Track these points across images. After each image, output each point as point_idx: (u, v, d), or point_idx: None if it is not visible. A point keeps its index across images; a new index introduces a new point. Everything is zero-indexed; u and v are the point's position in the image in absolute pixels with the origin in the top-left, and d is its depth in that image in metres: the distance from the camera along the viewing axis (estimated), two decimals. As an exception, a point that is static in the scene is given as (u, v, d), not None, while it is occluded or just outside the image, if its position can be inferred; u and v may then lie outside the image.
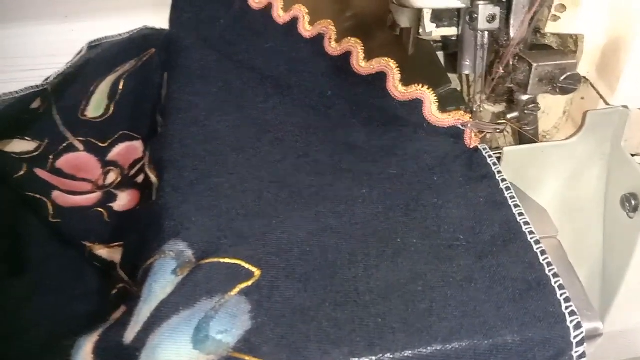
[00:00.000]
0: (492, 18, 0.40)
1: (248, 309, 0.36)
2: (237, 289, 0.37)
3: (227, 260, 0.38)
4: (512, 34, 0.41)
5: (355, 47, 0.51)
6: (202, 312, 0.35)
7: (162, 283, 0.37)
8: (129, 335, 0.35)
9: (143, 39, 0.77)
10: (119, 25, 0.81)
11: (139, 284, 0.39)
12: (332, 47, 0.53)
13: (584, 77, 0.47)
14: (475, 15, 0.40)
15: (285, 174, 0.45)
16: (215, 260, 0.38)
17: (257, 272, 0.38)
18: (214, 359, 0.34)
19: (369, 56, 0.50)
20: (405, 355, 0.34)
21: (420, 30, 0.47)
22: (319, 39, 0.53)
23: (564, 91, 0.42)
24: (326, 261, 0.39)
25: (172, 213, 0.41)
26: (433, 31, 0.46)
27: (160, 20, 0.64)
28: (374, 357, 0.34)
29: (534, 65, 0.42)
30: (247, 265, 0.38)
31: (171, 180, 0.44)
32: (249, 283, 0.37)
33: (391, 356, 0.34)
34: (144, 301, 0.37)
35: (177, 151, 0.47)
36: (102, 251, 0.61)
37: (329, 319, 0.36)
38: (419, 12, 0.46)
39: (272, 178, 0.45)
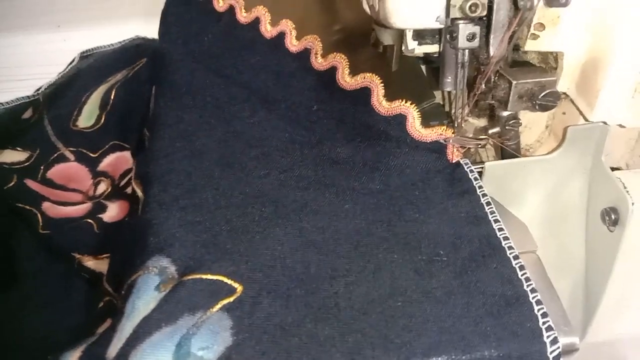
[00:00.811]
0: (472, 37, 0.41)
1: (229, 325, 0.36)
2: (219, 305, 0.37)
3: (209, 277, 0.39)
4: (491, 52, 0.42)
5: (341, 62, 0.51)
6: (184, 329, 0.36)
7: (145, 299, 0.38)
8: (112, 351, 0.36)
9: (135, 49, 0.77)
10: (111, 34, 0.81)
11: (123, 299, 0.39)
12: (318, 62, 0.53)
13: (564, 93, 0.47)
14: (455, 34, 0.41)
15: (270, 189, 0.46)
16: (198, 276, 0.39)
17: (239, 288, 0.38)
18: (195, 375, 0.34)
19: (354, 71, 0.50)
20: (384, 371, 0.35)
21: (403, 48, 0.47)
22: (305, 53, 0.54)
23: (544, 108, 0.43)
24: (308, 277, 0.39)
25: (156, 229, 0.42)
26: (415, 48, 0.47)
27: (153, 29, 0.64)
28: (353, 373, 0.34)
29: (514, 82, 0.43)
30: (229, 281, 0.39)
31: (156, 196, 0.45)
32: (231, 299, 0.38)
33: (370, 372, 0.35)
34: (126, 317, 0.37)
35: (163, 166, 0.47)
36: (91, 262, 0.62)
37: (310, 335, 0.36)
38: (401, 31, 0.47)
39: (257, 193, 0.45)
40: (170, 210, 0.43)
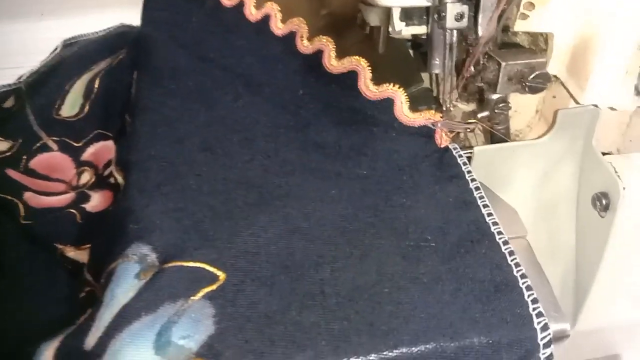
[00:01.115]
0: (460, 16, 0.40)
1: (212, 314, 0.35)
2: (201, 293, 0.36)
3: (191, 264, 0.37)
4: (480, 33, 0.41)
5: (327, 45, 0.50)
6: (165, 317, 0.35)
7: (124, 287, 0.37)
8: (90, 341, 0.35)
9: (119, 37, 0.75)
10: (95, 22, 0.80)
11: (102, 288, 0.38)
12: (304, 46, 0.52)
13: (555, 76, 0.46)
14: (444, 14, 0.40)
15: (254, 174, 0.45)
16: (179, 264, 0.37)
17: (222, 276, 0.37)
18: (175, 364, 0.33)
19: (341, 55, 0.49)
20: (371, 358, 0.34)
21: (390, 29, 0.46)
22: (290, 37, 0.53)
23: (533, 90, 0.42)
24: (293, 263, 0.39)
25: (136, 216, 0.41)
26: (402, 30, 0.45)
27: (138, 17, 0.63)
28: (338, 361, 0.33)
29: (503, 64, 0.42)
30: (211, 269, 0.38)
31: (137, 182, 0.43)
32: (214, 287, 0.37)
33: (356, 359, 0.34)
34: (105, 306, 0.36)
35: (144, 152, 0.46)
36: (73, 253, 0.60)
37: (295, 322, 0.35)
38: (388, 11, 0.46)
39: (241, 179, 0.44)
40: (152, 196, 0.42)
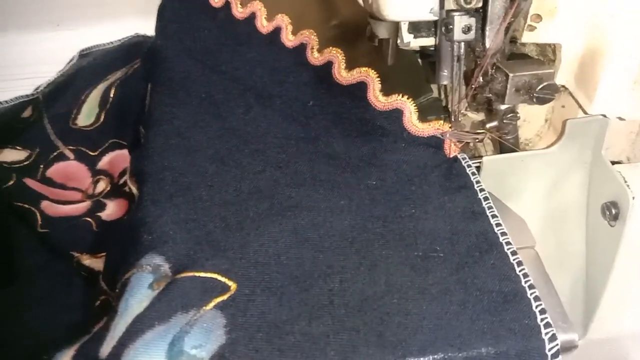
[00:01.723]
0: (467, 29, 0.40)
1: (223, 324, 0.36)
2: (212, 303, 0.37)
3: (203, 274, 0.38)
4: (488, 45, 0.41)
5: (337, 57, 0.51)
6: (177, 327, 0.35)
7: (138, 297, 0.37)
8: (105, 350, 0.36)
9: (134, 47, 0.77)
10: (110, 32, 0.81)
11: (117, 298, 0.39)
12: (314, 57, 0.53)
13: (563, 86, 0.47)
14: (451, 27, 0.40)
15: (265, 185, 0.45)
16: (191, 274, 0.38)
17: (233, 286, 0.38)
18: (188, 374, 0.34)
19: (350, 66, 0.50)
20: (379, 368, 0.34)
21: (399, 41, 0.47)
22: (301, 48, 0.54)
23: (541, 101, 0.42)
24: (303, 274, 0.39)
25: (150, 226, 0.42)
26: (411, 42, 0.46)
27: (152, 27, 0.64)
28: (347, 371, 0.34)
29: (511, 75, 0.42)
30: (223, 279, 0.38)
31: (150, 193, 0.44)
32: (225, 297, 0.37)
33: (365, 370, 0.34)
34: (120, 315, 0.37)
35: (158, 163, 0.47)
36: (89, 261, 0.61)
37: (304, 332, 0.36)
38: (396, 24, 0.46)
39: (252, 190, 0.45)
40: (164, 207, 0.43)
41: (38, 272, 0.62)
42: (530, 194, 0.49)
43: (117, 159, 0.69)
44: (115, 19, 0.86)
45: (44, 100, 0.71)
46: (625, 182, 0.44)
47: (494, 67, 0.43)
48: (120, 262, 0.43)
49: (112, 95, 0.70)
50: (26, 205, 0.64)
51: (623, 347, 0.56)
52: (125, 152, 0.68)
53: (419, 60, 0.56)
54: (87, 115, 0.70)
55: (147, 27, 0.77)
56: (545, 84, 0.42)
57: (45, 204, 0.64)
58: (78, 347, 0.38)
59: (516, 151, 0.48)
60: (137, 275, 0.39)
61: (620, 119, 0.45)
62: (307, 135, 0.49)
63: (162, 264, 0.39)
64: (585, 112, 0.45)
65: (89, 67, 0.76)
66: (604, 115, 0.45)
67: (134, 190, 0.48)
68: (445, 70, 0.44)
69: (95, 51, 0.80)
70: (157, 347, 0.34)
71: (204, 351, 0.34)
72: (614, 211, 0.45)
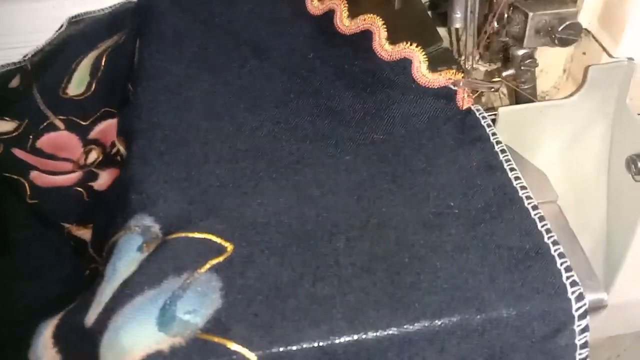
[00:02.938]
0: (483, -36, 0.36)
1: (219, 287, 0.33)
2: (207, 266, 0.34)
3: (197, 235, 0.35)
4: (505, -19, 0.38)
5: (339, 4, 0.48)
6: (169, 291, 0.32)
7: (126, 261, 0.35)
8: (91, 317, 0.33)
9: (126, 14, 0.73)
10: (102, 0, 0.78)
11: (104, 262, 0.36)
12: (314, 6, 0.50)
13: (585, 29, 0.43)
14: (465, -39, 0.36)
15: (263, 142, 0.42)
16: (184, 235, 0.35)
17: (229, 247, 0.35)
18: (180, 341, 0.31)
19: (354, 14, 0.47)
20: (390, 332, 0.31)
21: (407, -18, 0.43)
22: (300, -3, 0.50)
23: (564, 42, 0.39)
24: (305, 233, 0.36)
25: (139, 186, 0.39)
26: (421, -18, 0.42)
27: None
28: (355, 336, 0.31)
29: (530, 14, 0.38)
30: (218, 240, 0.35)
31: (139, 151, 0.41)
32: (221, 259, 0.34)
33: (375, 334, 0.31)
34: (107, 280, 0.34)
35: (147, 120, 0.44)
36: (81, 232, 0.59)
37: (308, 295, 0.33)
38: (404, -38, 0.43)
39: (249, 147, 0.42)
40: (154, 165, 0.40)
41: (28, 242, 0.61)
42: (549, 148, 0.46)
43: (109, 128, 0.66)
44: (106, -15, 0.82)
45: (33, 70, 0.69)
46: (653, 132, 0.41)
47: (511, 7, 0.40)
48: (107, 226, 0.40)
49: (103, 63, 0.67)
50: (14, 176, 0.62)
51: (645, 311, 0.54)
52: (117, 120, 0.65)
53: (428, 11, 0.53)
54: (77, 84, 0.67)
55: (138, -8, 0.74)
56: (568, 23, 0.38)
57: (34, 175, 0.62)
58: (62, 315, 0.35)
59: (534, 102, 0.45)
60: (126, 237, 0.36)
61: (650, 62, 0.42)
62: (307, 89, 0.46)
63: (152, 224, 0.36)
64: (610, 56, 0.42)
65: (79, 35, 0.72)
66: (631, 59, 0.41)
67: (122, 149, 0.45)
68: (459, 12, 0.40)
69: (85, 18, 0.77)
70: (146, 313, 0.32)
71: (198, 316, 0.32)
72: (639, 164, 0.42)
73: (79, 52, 0.68)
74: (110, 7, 0.77)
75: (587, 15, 0.42)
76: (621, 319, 0.56)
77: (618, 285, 0.49)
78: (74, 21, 0.76)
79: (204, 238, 0.35)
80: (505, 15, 0.40)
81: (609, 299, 0.50)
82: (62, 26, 0.76)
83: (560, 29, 0.38)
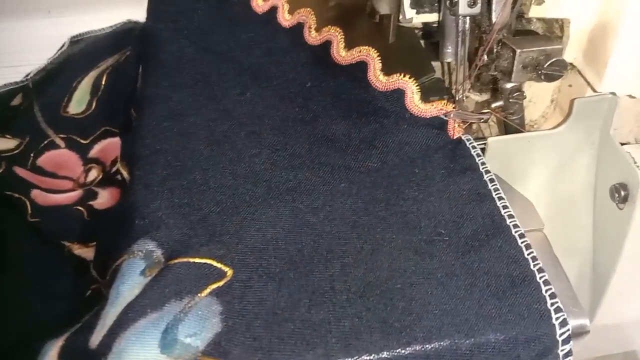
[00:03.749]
0: (473, 2, 0.38)
1: (219, 311, 0.34)
2: (207, 290, 0.35)
3: (197, 260, 0.37)
4: (494, 19, 0.39)
5: (336, 36, 0.49)
6: (171, 315, 0.34)
7: (130, 284, 0.36)
8: (95, 339, 0.34)
9: (126, 33, 0.75)
10: (102, 19, 0.79)
11: (108, 285, 0.37)
12: (312, 37, 0.51)
13: (571, 64, 0.45)
14: (456, 0, 0.38)
15: (262, 168, 0.44)
16: (186, 260, 0.36)
17: (229, 272, 0.36)
18: (182, 363, 0.32)
19: (350, 45, 0.48)
20: (383, 356, 0.33)
21: (400, 17, 0.45)
22: (298, 28, 0.52)
23: (550, 78, 0.41)
24: (302, 259, 0.37)
25: (142, 211, 0.40)
26: (413, 17, 0.44)
27: (145, 13, 0.62)
28: (349, 359, 0.32)
29: (518, 51, 0.40)
30: (218, 265, 0.37)
31: (142, 177, 0.43)
32: (221, 283, 0.36)
33: (368, 357, 0.33)
34: (111, 304, 0.35)
35: (150, 146, 0.45)
36: (80, 250, 0.60)
37: (304, 319, 0.34)
38: (398, -2, 0.44)
39: (248, 173, 0.43)
40: (157, 191, 0.41)
41: (28, 261, 0.61)
42: (536, 177, 0.47)
43: (109, 146, 0.67)
44: (107, 6, 0.83)
45: (35, 88, 0.70)
46: (635, 162, 0.43)
47: (500, 44, 0.42)
48: (111, 249, 0.41)
49: (103, 82, 0.69)
50: (16, 195, 0.62)
51: (630, 333, 0.55)
52: (117, 139, 0.66)
53: (422, 41, 0.55)
54: (78, 102, 0.68)
55: (139, 13, 0.75)
56: (553, 59, 0.40)
57: (35, 193, 0.63)
58: (67, 336, 0.36)
59: (522, 132, 0.46)
60: (129, 261, 0.37)
61: (631, 97, 0.43)
62: (305, 117, 0.47)
63: (154, 249, 0.38)
64: (594, 90, 0.44)
65: (81, 54, 0.74)
66: (614, 94, 0.43)
67: (125, 174, 0.46)
68: (450, 47, 0.42)
69: (86, 38, 0.78)
70: (149, 336, 0.33)
71: (199, 339, 0.33)
72: (623, 193, 0.44)
73: (79, 71, 0.70)
74: (111, 27, 0.78)
75: (572, 51, 0.44)
76: (608, 340, 0.57)
77: (604, 307, 0.50)
78: (75, 40, 0.77)
79: (205, 263, 0.37)
80: (495, 50, 0.42)
81: (596, 320, 0.51)
82: (63, 45, 0.78)
83: (546, 65, 0.40)
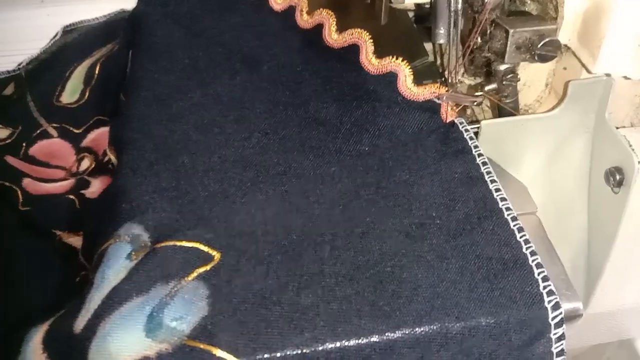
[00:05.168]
0: (465, -18, 0.37)
1: (206, 295, 0.34)
2: (194, 274, 0.35)
3: (184, 244, 0.36)
4: (486, -1, 0.39)
5: (327, 19, 0.49)
6: (157, 299, 0.33)
7: (115, 268, 0.35)
8: (79, 324, 0.33)
9: (119, 23, 0.74)
10: (95, 9, 0.78)
11: (93, 270, 0.37)
12: (304, 20, 0.51)
13: (565, 45, 0.44)
14: (447, -21, 0.37)
15: (251, 152, 0.43)
16: (172, 243, 0.36)
17: (216, 256, 0.36)
18: (167, 347, 0.32)
19: (342, 28, 0.48)
20: (372, 340, 0.32)
21: (392, -1, 0.44)
22: (290, 12, 0.51)
23: (543, 59, 0.40)
24: (291, 242, 0.37)
25: (129, 195, 0.39)
26: (405, -1, 0.43)
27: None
28: (338, 343, 0.32)
29: (511, 31, 0.40)
30: (206, 249, 0.36)
31: (130, 161, 0.42)
32: (208, 267, 0.35)
33: (357, 341, 0.32)
34: (96, 288, 0.35)
35: (138, 131, 0.44)
36: (72, 239, 0.59)
37: (292, 303, 0.34)
38: (389, -22, 0.44)
39: (237, 157, 0.43)
40: (144, 175, 0.41)
41: (19, 250, 0.60)
42: (531, 161, 0.47)
43: (101, 136, 0.67)
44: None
45: (27, 78, 0.69)
46: (630, 146, 0.42)
47: (493, 24, 0.41)
48: (98, 234, 0.40)
49: (97, 71, 0.68)
50: (7, 183, 0.62)
51: (626, 321, 0.55)
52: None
53: (414, 25, 0.54)
54: (71, 92, 0.68)
55: (132, 3, 0.75)
56: (547, 40, 0.39)
57: (26, 182, 0.62)
58: (52, 321, 0.36)
59: (516, 115, 0.46)
60: (115, 245, 0.37)
61: (626, 78, 0.43)
62: (296, 101, 0.47)
63: (141, 233, 0.37)
64: (588, 72, 0.43)
65: (74, 43, 0.73)
66: (609, 75, 0.42)
67: (113, 159, 0.45)
68: (442, 28, 0.41)
69: (79, 27, 0.78)
70: (134, 320, 0.32)
71: (185, 323, 0.32)
72: (618, 177, 0.43)
73: (73, 60, 0.69)
74: (105, 16, 0.78)
75: (567, 32, 0.43)
76: (603, 328, 0.57)
77: (599, 294, 0.50)
78: (68, 30, 0.76)
79: (192, 247, 0.36)
80: (488, 31, 0.41)
81: (590, 308, 0.51)
82: (56, 35, 0.77)
83: (539, 45, 0.39)
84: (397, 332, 0.32)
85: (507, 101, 0.45)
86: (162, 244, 0.36)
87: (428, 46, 0.50)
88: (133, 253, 0.36)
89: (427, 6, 0.44)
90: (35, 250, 0.61)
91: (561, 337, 0.34)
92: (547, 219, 0.42)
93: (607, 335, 0.58)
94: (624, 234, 0.45)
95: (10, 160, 0.63)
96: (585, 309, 0.50)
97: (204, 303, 0.33)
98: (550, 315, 0.33)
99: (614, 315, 0.53)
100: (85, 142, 0.66)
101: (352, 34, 0.47)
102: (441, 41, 0.42)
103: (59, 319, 0.35)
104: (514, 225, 0.37)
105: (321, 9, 0.49)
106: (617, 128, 0.45)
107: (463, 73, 0.49)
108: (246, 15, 0.53)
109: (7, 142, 0.64)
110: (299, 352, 0.32)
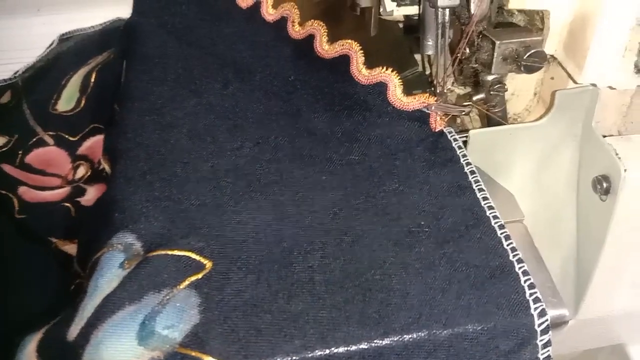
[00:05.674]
0: (452, -6, 0.38)
1: (197, 303, 0.34)
2: (186, 282, 0.35)
3: (176, 252, 0.36)
4: (473, 10, 0.39)
5: (319, 30, 0.49)
6: (149, 307, 0.34)
7: (108, 277, 0.36)
8: (73, 332, 0.34)
9: (116, 31, 0.75)
10: (92, 17, 0.79)
11: (87, 278, 0.37)
12: (295, 31, 0.51)
13: (552, 56, 0.45)
14: (435, -8, 0.38)
15: (243, 162, 0.44)
16: (164, 252, 0.36)
17: (208, 264, 0.36)
18: (159, 355, 0.32)
19: (333, 39, 0.48)
20: (361, 347, 0.33)
21: (381, 10, 0.45)
22: (282, 23, 0.52)
23: (529, 69, 0.41)
24: (282, 251, 0.37)
25: (122, 204, 0.40)
26: (394, 10, 0.44)
27: (133, 10, 0.62)
28: (327, 350, 0.32)
29: (497, 42, 0.40)
30: (197, 257, 0.36)
31: (123, 170, 0.43)
32: (199, 275, 0.36)
33: (346, 348, 0.33)
34: (89, 296, 0.35)
35: (131, 140, 0.45)
36: (68, 247, 0.60)
37: (282, 311, 0.34)
38: (379, -10, 0.44)
39: (229, 166, 0.43)
40: (137, 185, 0.41)
41: (15, 257, 0.61)
42: (519, 169, 0.47)
43: (97, 144, 0.67)
44: (97, 4, 0.83)
45: (24, 86, 0.70)
46: (617, 154, 0.43)
47: (480, 36, 0.42)
48: (91, 243, 0.41)
49: (92, 80, 0.68)
50: (3, 191, 0.62)
51: (616, 326, 0.55)
52: (105, 136, 0.66)
53: (404, 36, 0.55)
54: (67, 100, 0.68)
55: (129, 11, 0.75)
56: (533, 51, 0.40)
57: (22, 190, 0.63)
58: (46, 329, 0.36)
59: (504, 124, 0.46)
60: (108, 254, 0.37)
61: (611, 88, 0.44)
62: (287, 110, 0.47)
63: (133, 242, 0.37)
64: (575, 82, 0.44)
65: (70, 51, 0.73)
66: (595, 85, 0.43)
67: (107, 168, 0.46)
68: (430, 40, 0.42)
69: (76, 35, 0.78)
70: (127, 328, 0.33)
71: (177, 331, 0.33)
72: (605, 185, 0.44)
73: (69, 68, 0.69)
74: (101, 24, 0.78)
75: (553, 43, 0.44)
76: (593, 333, 0.57)
77: (589, 300, 0.50)
78: (64, 38, 0.77)
79: (184, 255, 0.37)
80: (475, 43, 0.42)
81: (580, 313, 0.51)
82: (52, 43, 0.77)
83: (525, 56, 0.40)
84: (385, 339, 0.33)
85: (495, 110, 0.46)
86: (155, 253, 0.36)
87: (417, 56, 0.51)
88: (126, 262, 0.36)
89: (416, 17, 0.44)
90: (31, 257, 0.62)
91: (547, 344, 0.34)
92: (536, 227, 0.42)
93: (597, 340, 0.58)
94: (612, 241, 0.45)
95: (7, 168, 0.63)
96: (576, 314, 0.51)
97: (196, 311, 0.34)
98: (537, 322, 0.34)
99: (604, 320, 0.54)
100: (81, 150, 0.66)
101: (343, 44, 0.47)
102: (429, 52, 0.43)
103: (53, 327, 0.36)
104: (501, 234, 0.37)
105: (312, 20, 0.49)
106: (605, 136, 0.46)
107: (453, 82, 0.50)
108: (239, 26, 0.54)
109: (3, 150, 0.65)
110: (289, 359, 0.32)
